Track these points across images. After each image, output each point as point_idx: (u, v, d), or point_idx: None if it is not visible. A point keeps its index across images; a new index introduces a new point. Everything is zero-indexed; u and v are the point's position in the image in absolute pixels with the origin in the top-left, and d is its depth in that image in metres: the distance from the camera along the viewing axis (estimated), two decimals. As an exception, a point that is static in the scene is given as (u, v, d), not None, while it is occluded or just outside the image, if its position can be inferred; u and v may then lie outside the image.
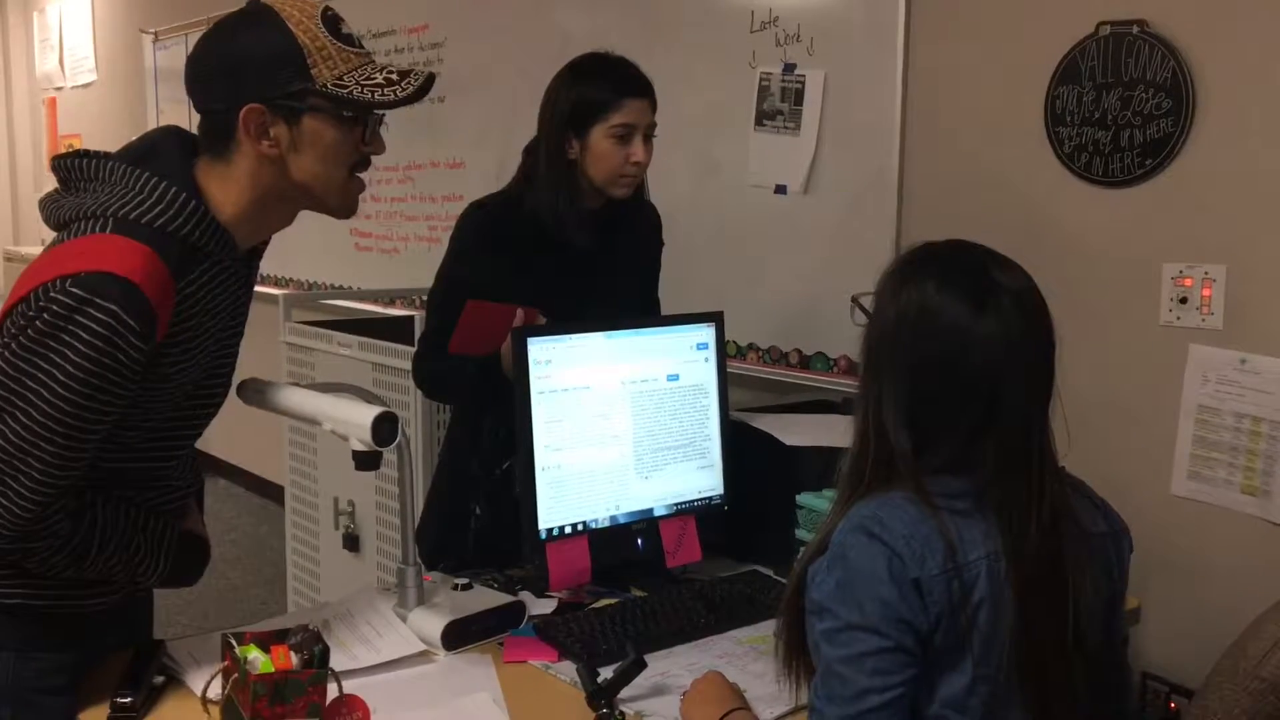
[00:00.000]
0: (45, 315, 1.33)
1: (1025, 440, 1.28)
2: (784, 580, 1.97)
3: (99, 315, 1.33)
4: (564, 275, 2.15)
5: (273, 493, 5.00)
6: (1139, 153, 2.19)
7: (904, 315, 1.29)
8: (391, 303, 4.20)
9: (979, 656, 1.25)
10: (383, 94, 1.46)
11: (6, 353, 1.35)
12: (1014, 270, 1.32)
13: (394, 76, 1.48)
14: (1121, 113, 2.21)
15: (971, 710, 1.26)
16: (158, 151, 1.48)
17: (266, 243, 1.62)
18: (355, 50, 1.48)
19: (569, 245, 2.14)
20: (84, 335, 1.33)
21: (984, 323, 1.26)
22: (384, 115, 1.52)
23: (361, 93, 1.45)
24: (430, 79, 1.50)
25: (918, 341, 1.28)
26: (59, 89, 7.10)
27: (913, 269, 1.32)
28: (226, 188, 1.47)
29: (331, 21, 1.46)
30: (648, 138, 2.16)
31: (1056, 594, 1.27)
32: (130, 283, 1.35)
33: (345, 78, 1.45)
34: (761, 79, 2.85)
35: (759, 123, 2.88)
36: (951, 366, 1.26)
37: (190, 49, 1.49)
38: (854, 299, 1.41)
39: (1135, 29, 2.18)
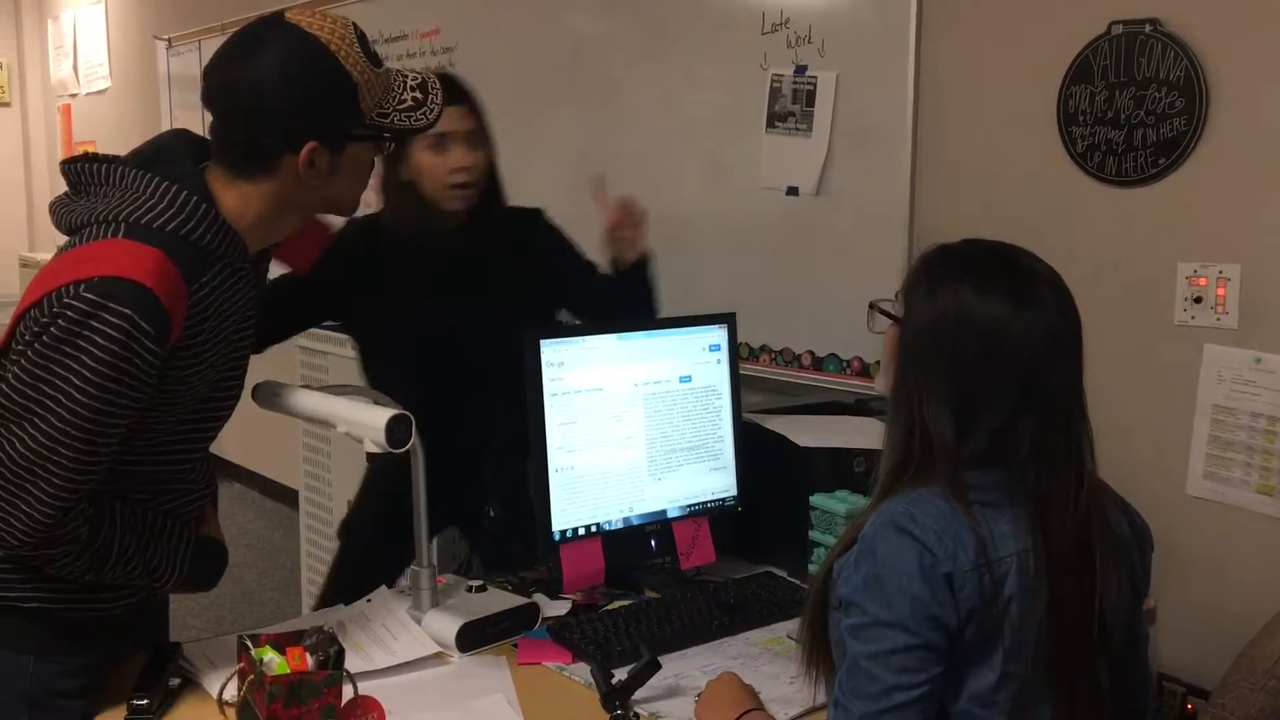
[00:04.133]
0: (60, 321, 1.34)
1: (1066, 431, 1.29)
2: (798, 582, 1.98)
3: (113, 320, 1.34)
4: (448, 294, 2.14)
5: (286, 496, 5.01)
6: (1152, 152, 2.19)
7: (943, 316, 1.29)
8: (404, 306, 4.20)
9: (1008, 653, 1.25)
10: (416, 118, 1.53)
11: (22, 360, 1.36)
12: (1040, 260, 1.34)
13: (418, 96, 1.53)
14: (1134, 112, 2.20)
15: (999, 706, 1.26)
16: (167, 155, 1.49)
17: (277, 245, 1.63)
18: (385, 71, 1.51)
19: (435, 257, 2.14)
20: (99, 340, 1.34)
21: (1028, 315, 1.27)
22: None
23: (400, 119, 1.51)
24: (441, 90, 1.57)
25: (961, 340, 1.28)
26: (73, 96, 7.13)
27: (944, 269, 1.32)
28: (246, 201, 1.48)
29: (363, 41, 1.49)
30: (472, 146, 2.12)
31: (1086, 591, 1.27)
32: (144, 287, 1.36)
33: (384, 105, 1.50)
34: (773, 81, 2.85)
35: (770, 125, 2.87)
36: (996, 361, 1.27)
37: (222, 67, 1.47)
38: (872, 305, 1.41)
39: (1148, 28, 2.17)
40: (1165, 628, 2.17)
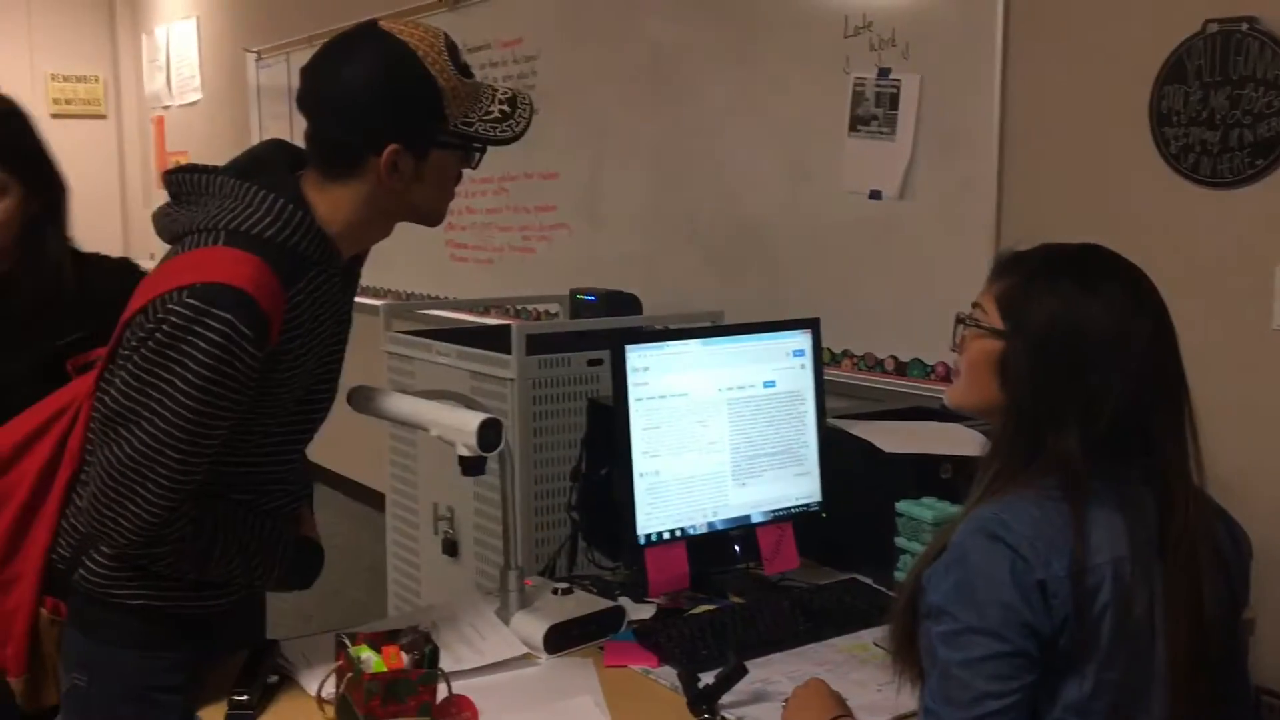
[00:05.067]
0: (165, 327, 1.39)
1: (1177, 434, 1.28)
2: (883, 589, 1.97)
3: (215, 325, 1.38)
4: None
5: (370, 498, 5.09)
6: (1249, 153, 2.14)
7: (1055, 323, 1.27)
8: (486, 311, 4.26)
9: (1103, 661, 1.23)
10: (501, 130, 1.54)
11: (129, 365, 1.41)
12: (1128, 260, 1.33)
13: (506, 108, 1.54)
14: (1230, 112, 2.16)
15: (1094, 715, 1.24)
16: (264, 164, 1.53)
17: (367, 251, 1.66)
18: (474, 82, 1.53)
19: None
20: (202, 345, 1.38)
21: (1142, 317, 1.27)
22: None
23: (485, 129, 1.53)
24: (532, 106, 1.58)
25: (1077, 347, 1.26)
26: (166, 108, 7.34)
27: (1045, 276, 1.31)
28: (337, 205, 1.51)
29: (452, 51, 1.51)
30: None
31: (1186, 600, 1.25)
32: (244, 292, 1.40)
33: (470, 114, 1.52)
34: (855, 84, 2.84)
35: (853, 128, 2.86)
36: (1117, 364, 1.25)
37: (314, 69, 1.52)
38: (959, 318, 1.39)
39: (1244, 26, 2.13)
40: (1266, 639, 2.12)
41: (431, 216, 1.60)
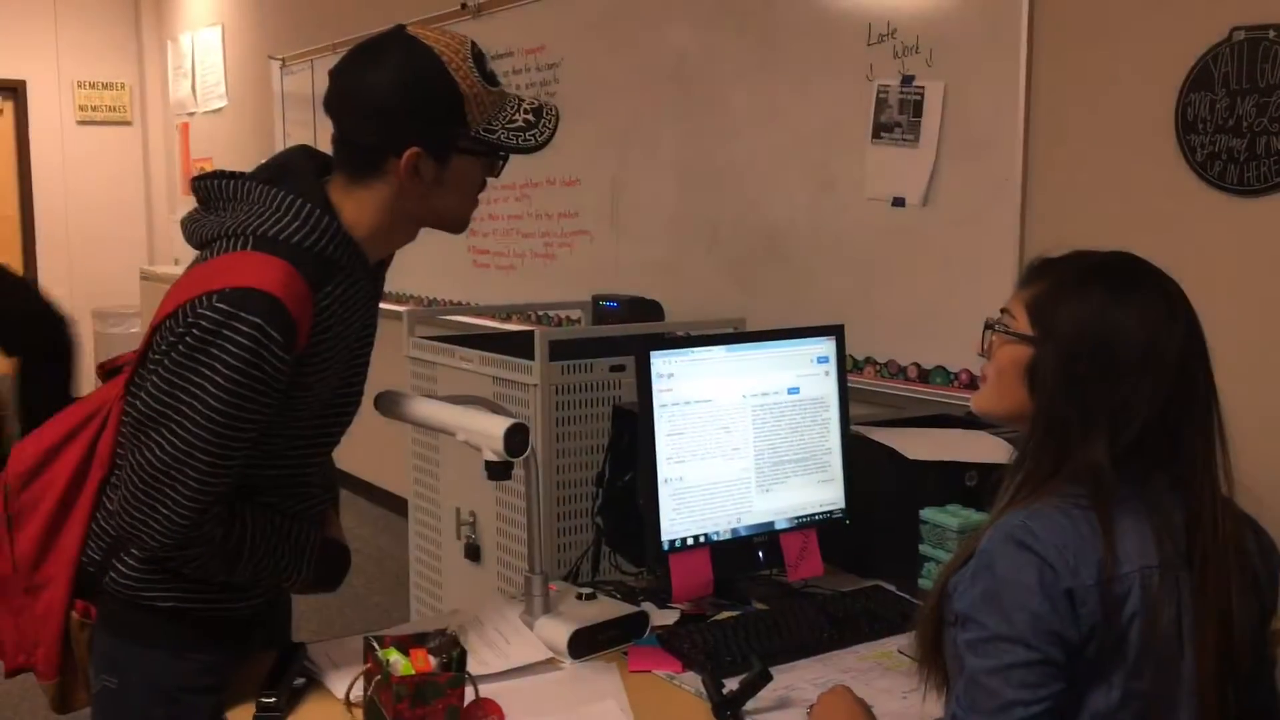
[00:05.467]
0: (195, 331, 1.40)
1: (1206, 442, 1.27)
2: (908, 596, 1.96)
3: (244, 329, 1.40)
4: None
5: (392, 503, 5.11)
6: (1276, 160, 2.13)
7: (1088, 330, 1.27)
8: (508, 318, 4.27)
9: (1130, 670, 1.23)
10: (525, 138, 1.54)
11: (160, 369, 1.42)
12: (1157, 268, 1.32)
13: (531, 118, 1.55)
14: (1257, 119, 2.15)
15: None
16: (291, 170, 1.55)
17: (392, 255, 1.67)
18: (499, 90, 1.54)
19: None
20: (231, 348, 1.40)
21: (1175, 324, 1.26)
22: None
23: (508, 137, 1.53)
24: (557, 117, 1.59)
25: (1111, 355, 1.26)
26: (191, 114, 7.40)
27: (1076, 283, 1.30)
28: (362, 209, 1.52)
29: (479, 59, 1.52)
30: None
31: (1215, 609, 1.24)
32: (272, 296, 1.41)
33: (493, 121, 1.52)
34: (879, 91, 2.84)
35: (876, 135, 2.86)
36: (1149, 372, 1.25)
37: (340, 72, 1.53)
38: (989, 324, 1.38)
39: (1271, 33, 2.12)
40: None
41: (455, 223, 1.61)
